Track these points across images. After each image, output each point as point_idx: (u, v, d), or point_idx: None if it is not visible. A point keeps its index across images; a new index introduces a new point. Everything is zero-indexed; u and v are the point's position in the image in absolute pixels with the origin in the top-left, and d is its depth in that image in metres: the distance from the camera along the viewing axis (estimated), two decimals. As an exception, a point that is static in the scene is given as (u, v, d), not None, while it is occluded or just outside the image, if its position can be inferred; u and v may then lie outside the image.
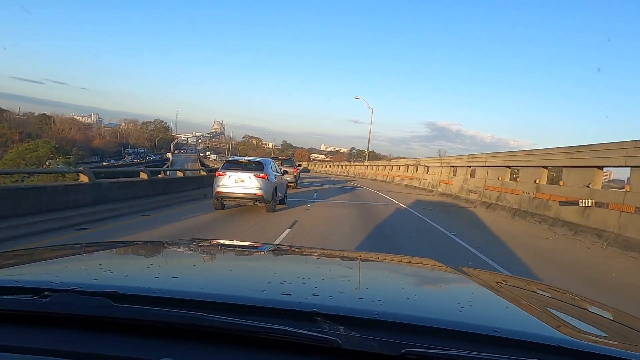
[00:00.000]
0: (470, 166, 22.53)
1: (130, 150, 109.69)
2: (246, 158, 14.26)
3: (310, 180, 38.81)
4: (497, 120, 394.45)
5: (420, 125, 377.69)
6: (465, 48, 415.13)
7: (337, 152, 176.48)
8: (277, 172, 13.94)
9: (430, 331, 0.92)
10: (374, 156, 60.82)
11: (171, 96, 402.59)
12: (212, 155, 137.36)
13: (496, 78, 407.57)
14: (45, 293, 0.94)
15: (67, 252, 1.79)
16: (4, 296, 0.97)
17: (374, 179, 46.12)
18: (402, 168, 38.36)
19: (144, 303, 0.95)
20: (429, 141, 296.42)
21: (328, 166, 77.90)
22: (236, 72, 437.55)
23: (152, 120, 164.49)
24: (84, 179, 10.07)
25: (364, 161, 55.45)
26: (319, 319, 0.92)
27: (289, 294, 1.14)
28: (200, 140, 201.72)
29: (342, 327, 0.89)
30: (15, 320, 0.94)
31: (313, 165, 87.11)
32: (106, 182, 10.99)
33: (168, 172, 21.10)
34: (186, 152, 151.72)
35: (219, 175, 12.39)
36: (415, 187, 31.78)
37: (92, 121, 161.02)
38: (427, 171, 30.82)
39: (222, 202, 12.56)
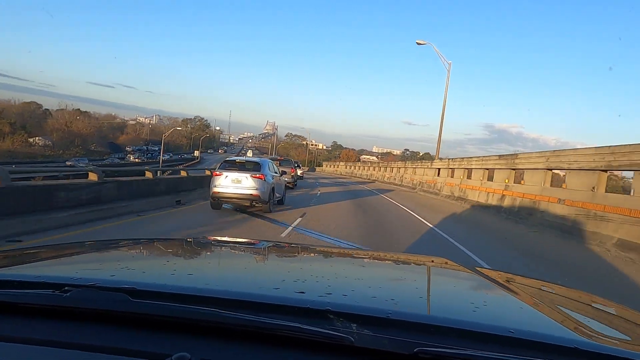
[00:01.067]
0: None
1: (135, 148, 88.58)
2: (243, 158, 13.15)
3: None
4: (562, 123, 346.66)
5: (478, 127, 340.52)
6: (526, 46, 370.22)
7: (388, 153, 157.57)
8: (276, 172, 12.58)
9: (443, 331, 0.88)
10: (428, 158, 36.80)
11: (227, 98, 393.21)
12: (249, 153, 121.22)
13: (560, 78, 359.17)
14: (66, 288, 0.93)
15: (83, 248, 1.77)
16: (26, 290, 0.97)
17: (461, 198, 20.09)
18: (587, 176, 11.72)
19: (162, 299, 0.92)
20: (486, 144, 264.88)
21: (373, 169, 51.39)
22: (291, 74, 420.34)
23: (192, 118, 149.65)
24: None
25: (430, 162, 29.20)
26: (333, 317, 0.89)
27: (303, 292, 1.10)
28: (251, 140, 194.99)
29: (355, 325, 0.86)
30: (36, 314, 0.93)
31: (353, 168, 61.33)
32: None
33: (158, 172, 15.33)
34: (226, 152, 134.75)
35: (216, 175, 11.10)
36: None
37: (154, 122, 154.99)
38: None
39: (219, 202, 11.24)
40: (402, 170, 37.52)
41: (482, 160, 19.54)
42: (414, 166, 33.70)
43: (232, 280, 1.34)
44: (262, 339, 0.85)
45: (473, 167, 20.43)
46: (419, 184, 29.59)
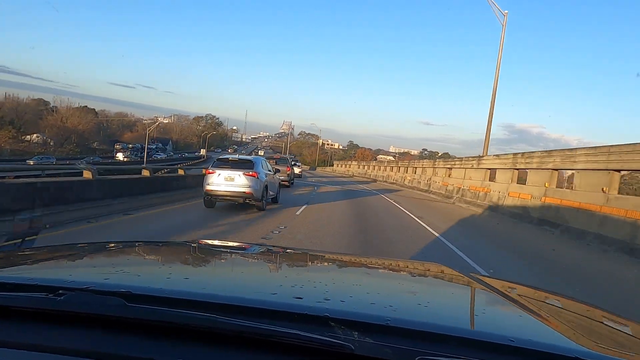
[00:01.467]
0: None
1: (126, 145, 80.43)
2: (236, 156, 13.00)
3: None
4: (586, 124, 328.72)
5: (497, 127, 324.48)
6: (547, 45, 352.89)
7: (406, 153, 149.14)
8: (269, 170, 12.31)
9: (444, 339, 0.86)
10: (448, 158, 28.52)
11: (245, 99, 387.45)
12: (260, 152, 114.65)
13: (586, 78, 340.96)
14: (60, 292, 0.89)
15: (77, 250, 1.70)
16: (18, 293, 0.93)
17: (550, 222, 10.80)
18: None
19: (157, 303, 0.89)
20: (506, 144, 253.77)
21: (390, 169, 42.19)
22: (308, 74, 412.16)
23: (203, 116, 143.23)
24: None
25: (477, 159, 20.08)
26: (333, 324, 0.87)
27: (300, 298, 1.07)
28: (266, 140, 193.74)
29: (357, 333, 0.84)
30: (29, 318, 0.89)
31: (367, 168, 52.27)
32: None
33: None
34: (236, 151, 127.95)
35: (209, 173, 10.84)
36: None
37: (171, 121, 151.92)
38: None
39: (212, 200, 10.86)
40: (428, 170, 28.25)
41: (602, 153, 10.06)
42: (448, 166, 24.40)
43: (228, 284, 1.30)
44: (259, 345, 0.82)
45: (578, 167, 11.17)
46: (457, 191, 20.52)
